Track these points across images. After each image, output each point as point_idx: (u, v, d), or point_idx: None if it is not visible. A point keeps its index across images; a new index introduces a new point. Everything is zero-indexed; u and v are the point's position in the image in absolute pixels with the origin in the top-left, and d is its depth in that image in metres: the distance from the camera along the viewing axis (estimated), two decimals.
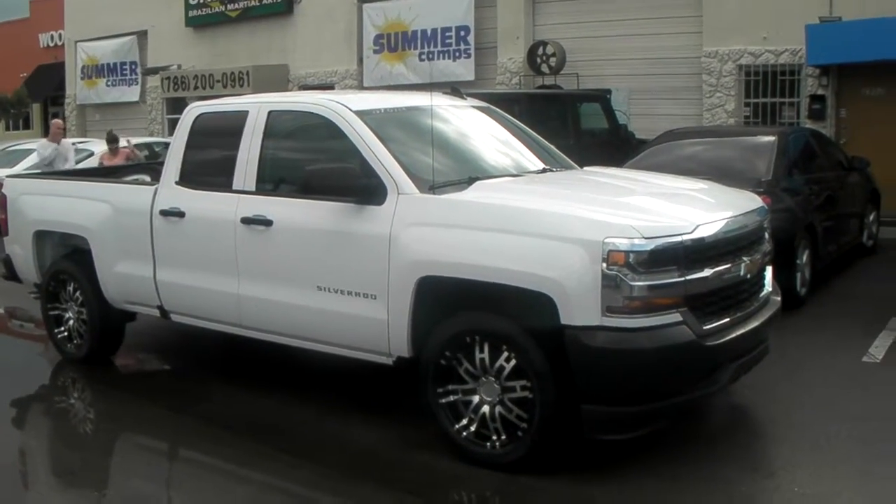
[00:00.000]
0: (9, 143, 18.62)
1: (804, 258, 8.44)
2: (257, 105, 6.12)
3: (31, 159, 14.13)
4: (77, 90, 26.43)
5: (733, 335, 4.88)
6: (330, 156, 5.58)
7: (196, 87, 21.79)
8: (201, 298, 6.27)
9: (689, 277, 4.63)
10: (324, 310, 5.45)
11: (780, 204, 8.04)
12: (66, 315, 7.36)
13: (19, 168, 14.17)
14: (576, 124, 12.40)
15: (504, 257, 4.73)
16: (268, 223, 5.72)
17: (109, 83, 25.30)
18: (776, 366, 6.17)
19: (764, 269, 5.51)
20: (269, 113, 5.99)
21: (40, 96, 29.97)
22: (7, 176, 8.34)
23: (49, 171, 11.92)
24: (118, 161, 13.12)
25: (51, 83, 28.74)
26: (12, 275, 7.88)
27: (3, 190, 7.83)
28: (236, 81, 20.91)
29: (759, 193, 7.57)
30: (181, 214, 6.27)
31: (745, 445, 5.24)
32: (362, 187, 5.26)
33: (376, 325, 5.22)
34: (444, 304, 5.04)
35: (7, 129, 30.99)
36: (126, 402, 6.56)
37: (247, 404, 6.22)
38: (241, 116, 6.08)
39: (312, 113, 5.81)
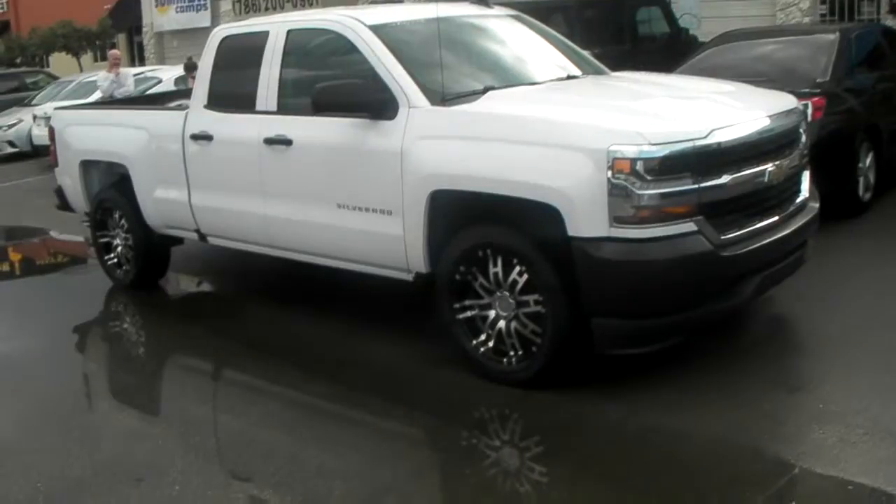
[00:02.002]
0: (83, 75, 19.00)
1: (867, 161, 8.06)
2: (277, 25, 6.10)
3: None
4: (153, 18, 26.59)
5: (757, 245, 4.69)
6: (345, 72, 5.53)
7: (267, 9, 21.63)
8: (233, 220, 6.35)
9: (704, 185, 4.45)
10: (345, 227, 5.46)
11: (838, 105, 7.68)
12: (115, 242, 7.54)
13: (91, 100, 14.44)
14: (632, 30, 12.01)
15: (510, 168, 4.64)
16: (287, 143, 5.71)
17: (178, 9, 25.32)
18: (828, 274, 5.96)
19: (798, 174, 5.27)
20: (288, 32, 5.95)
21: (124, 26, 30.24)
22: (55, 108, 8.45)
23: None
24: None
25: (133, 13, 28.94)
26: (65, 205, 8.08)
27: (51, 122, 8.04)
28: (306, 1, 20.67)
29: (815, 95, 7.34)
30: (209, 138, 6.32)
31: (776, 359, 5.05)
32: (373, 102, 5.19)
33: (394, 242, 5.20)
34: (457, 219, 4.98)
35: (95, 60, 31.48)
36: (172, 325, 6.75)
37: (282, 324, 6.33)
38: (263, 37, 6.06)
39: (328, 30, 5.76)
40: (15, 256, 9.93)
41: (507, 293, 4.84)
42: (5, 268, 9.45)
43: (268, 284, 7.34)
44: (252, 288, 7.44)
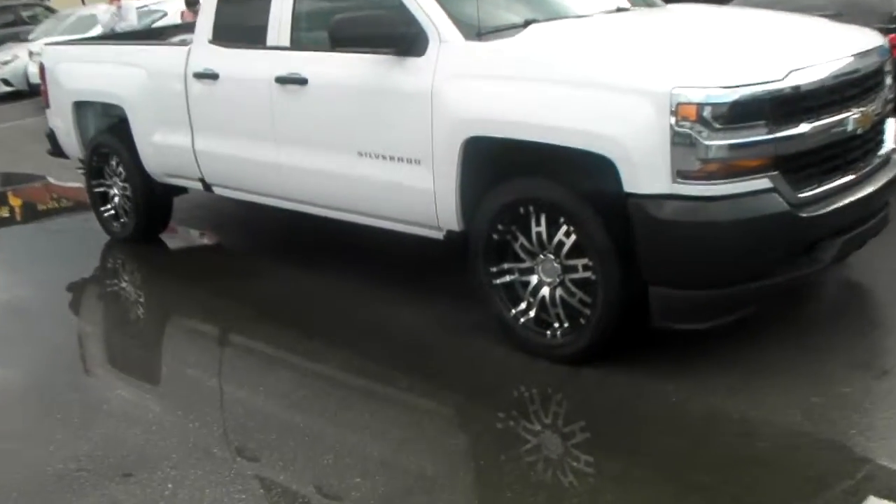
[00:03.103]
0: (83, 8, 18.75)
1: None
2: None
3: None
4: None
5: (839, 204, 4.39)
6: (367, 2, 5.26)
7: None
8: (241, 169, 6.18)
9: (780, 134, 4.14)
10: (367, 178, 5.29)
11: None
12: (112, 192, 7.41)
13: (91, 34, 14.16)
14: None
15: (556, 113, 4.37)
16: (302, 82, 5.50)
17: None
18: None
19: (882, 123, 4.93)
20: None
21: None
22: (45, 43, 8.22)
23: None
24: None
25: None
26: (57, 150, 7.92)
27: (42, 59, 7.86)
28: None
29: (891, 31, 6.92)
30: (214, 76, 6.13)
31: (858, 335, 4.72)
32: (399, 36, 4.94)
33: (422, 195, 5.02)
34: (495, 170, 4.75)
35: None
36: (173, 284, 6.65)
37: (296, 285, 6.22)
38: None
39: None
40: (6, 206, 9.81)
41: (551, 256, 4.64)
42: None
43: (280, 241, 7.25)
44: (263, 244, 7.33)
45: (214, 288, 6.36)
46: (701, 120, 4.01)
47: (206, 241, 7.92)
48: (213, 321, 5.82)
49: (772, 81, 4.12)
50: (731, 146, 4.06)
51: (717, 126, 4.02)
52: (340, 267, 6.40)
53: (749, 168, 4.12)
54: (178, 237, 7.76)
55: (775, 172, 4.15)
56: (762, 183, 4.14)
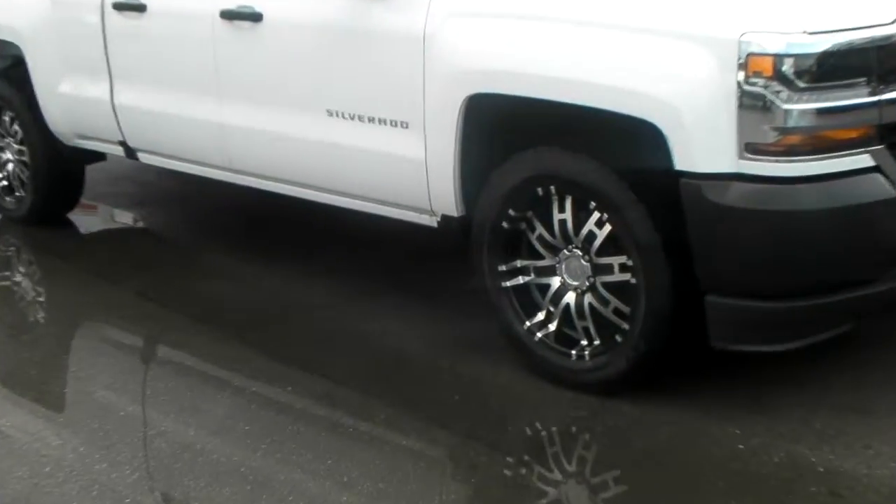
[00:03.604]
0: None
1: None
2: None
3: None
4: None
5: None
6: None
7: None
8: (174, 130, 6.24)
9: (887, 96, 4.07)
10: (338, 145, 5.32)
11: None
12: (4, 156, 7.44)
13: None
14: None
15: (588, 64, 4.33)
16: (256, 17, 5.50)
17: None
18: None
19: None
20: None
21: None
22: None
23: None
24: None
25: None
26: None
27: None
28: None
29: None
30: (141, 8, 6.15)
31: None
32: None
33: (410, 168, 5.04)
34: (507, 138, 4.76)
35: None
36: (84, 281, 6.60)
37: (249, 285, 6.29)
38: None
39: None
40: None
41: (578, 252, 4.62)
42: None
43: (229, 225, 7.35)
44: (207, 230, 7.39)
45: (138, 286, 6.33)
46: (779, 76, 3.94)
47: (129, 223, 7.93)
48: (135, 329, 5.81)
49: (877, 26, 4.05)
50: (820, 111, 3.99)
51: (802, 84, 3.96)
52: (307, 261, 6.44)
53: (844, 141, 4.07)
54: (93, 218, 7.77)
55: (879, 147, 4.09)
56: (861, 160, 4.08)
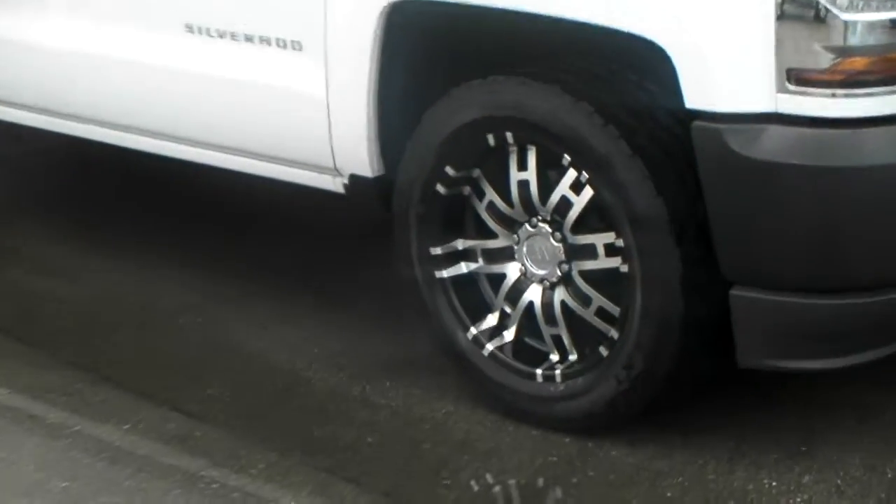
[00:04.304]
0: None
1: None
2: None
3: None
4: None
5: None
6: None
7: None
8: None
9: None
10: (200, 74, 5.45)
11: None
12: None
13: None
14: None
15: None
16: None
17: None
18: None
19: None
20: None
21: None
22: None
23: None
24: None
25: None
26: None
27: None
28: None
29: None
30: None
31: None
32: None
33: (304, 108, 5.13)
34: (443, 66, 4.87)
35: None
36: None
37: (96, 284, 6.32)
38: None
39: None
40: None
41: (546, 228, 4.63)
42: None
43: (74, 198, 7.34)
44: (44, 205, 7.43)
45: None
46: None
47: None
48: None
49: None
50: (895, 22, 3.97)
51: None
52: (171, 247, 6.60)
53: None
54: None
55: None
56: None
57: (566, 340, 4.65)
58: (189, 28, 5.34)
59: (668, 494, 4.34)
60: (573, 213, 4.51)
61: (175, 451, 4.78)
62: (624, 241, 4.40)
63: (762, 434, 4.64)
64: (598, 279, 4.54)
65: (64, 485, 4.54)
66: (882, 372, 4.72)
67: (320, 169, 5.20)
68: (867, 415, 4.76)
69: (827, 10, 3.91)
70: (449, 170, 4.73)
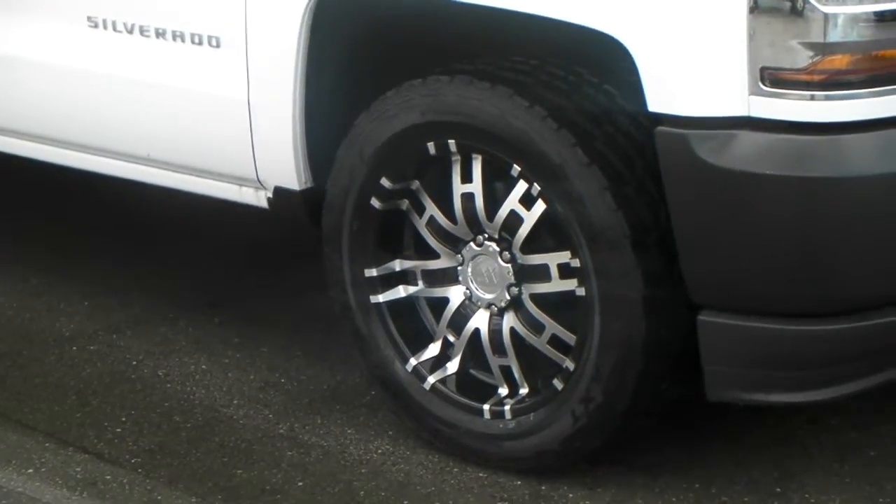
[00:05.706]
0: None
1: None
2: None
3: None
4: None
5: None
6: None
7: None
8: None
9: None
10: (105, 75, 5.44)
11: None
12: None
13: None
14: None
15: None
16: None
17: None
18: None
19: None
20: None
21: None
22: None
23: None
24: None
25: None
26: None
27: None
28: None
29: None
30: None
31: None
32: None
33: (222, 111, 5.14)
34: (379, 65, 4.89)
35: None
36: None
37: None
38: None
39: None
40: None
41: (494, 247, 4.60)
42: None
43: None
44: None
45: None
46: None
47: None
48: None
49: None
50: (882, 16, 3.93)
51: None
52: (63, 265, 6.57)
53: None
54: None
55: None
56: None
57: (516, 372, 4.60)
58: (93, 22, 5.33)
59: None
60: (523, 230, 4.46)
61: (83, 498, 4.70)
62: (580, 260, 4.35)
63: (733, 474, 4.63)
64: (552, 304, 4.49)
65: None
66: (864, 405, 4.83)
67: (241, 181, 5.19)
68: (848, 452, 4.76)
69: (805, 1, 3.88)
70: (384, 182, 4.67)
